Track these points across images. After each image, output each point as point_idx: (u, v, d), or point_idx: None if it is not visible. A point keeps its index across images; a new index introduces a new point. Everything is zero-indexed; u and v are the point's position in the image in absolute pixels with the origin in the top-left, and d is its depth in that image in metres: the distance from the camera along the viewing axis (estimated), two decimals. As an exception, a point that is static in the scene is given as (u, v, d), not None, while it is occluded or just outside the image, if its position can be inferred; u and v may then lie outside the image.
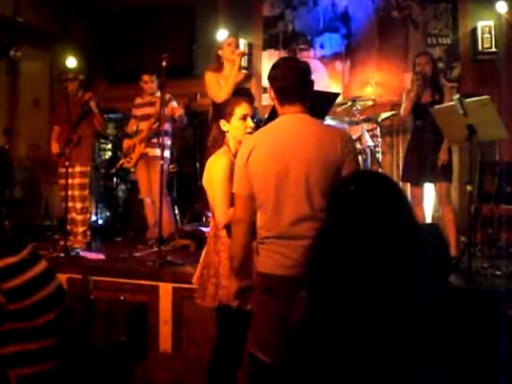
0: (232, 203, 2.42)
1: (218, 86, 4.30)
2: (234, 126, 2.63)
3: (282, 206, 2.16)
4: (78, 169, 4.89)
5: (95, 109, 4.89)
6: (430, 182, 4.45)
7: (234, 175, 2.33)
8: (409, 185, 4.49)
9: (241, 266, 2.36)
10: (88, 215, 5.05)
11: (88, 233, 5.01)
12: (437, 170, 4.26)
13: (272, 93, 2.29)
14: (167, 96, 4.77)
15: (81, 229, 4.91)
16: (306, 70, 2.29)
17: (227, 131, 2.65)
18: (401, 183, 4.54)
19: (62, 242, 4.67)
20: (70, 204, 4.86)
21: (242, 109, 2.62)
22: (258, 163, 2.20)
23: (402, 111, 4.49)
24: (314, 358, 1.17)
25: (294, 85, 2.23)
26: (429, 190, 4.74)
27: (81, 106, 4.89)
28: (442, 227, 4.05)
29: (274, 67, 2.31)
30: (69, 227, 4.86)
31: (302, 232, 2.10)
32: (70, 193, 4.80)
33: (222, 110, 2.68)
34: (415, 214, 1.34)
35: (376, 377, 1.10)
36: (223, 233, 2.58)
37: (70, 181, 4.78)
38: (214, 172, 2.58)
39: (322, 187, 2.12)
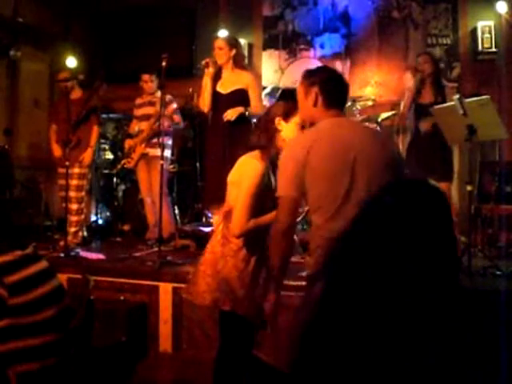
0: (251, 215, 2.37)
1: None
2: (290, 129, 2.44)
3: (348, 203, 2.06)
4: (76, 170, 4.88)
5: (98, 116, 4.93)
6: None
7: (283, 176, 2.18)
8: None
9: (282, 278, 2.25)
10: (82, 216, 5.03)
11: (80, 234, 5.01)
12: (436, 170, 4.25)
13: (314, 94, 2.23)
14: (168, 97, 4.77)
15: (73, 229, 4.90)
16: None
17: (281, 130, 2.45)
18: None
19: (62, 242, 4.67)
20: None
21: (299, 117, 2.46)
22: (321, 158, 2.11)
23: (401, 108, 4.55)
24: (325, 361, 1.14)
25: (346, 91, 2.33)
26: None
27: (82, 107, 4.88)
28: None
29: (324, 71, 2.36)
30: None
31: None
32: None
33: (279, 109, 2.50)
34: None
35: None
36: (234, 238, 2.45)
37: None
38: (247, 175, 2.41)
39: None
